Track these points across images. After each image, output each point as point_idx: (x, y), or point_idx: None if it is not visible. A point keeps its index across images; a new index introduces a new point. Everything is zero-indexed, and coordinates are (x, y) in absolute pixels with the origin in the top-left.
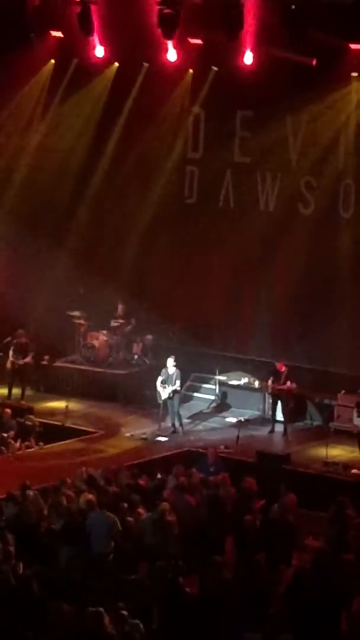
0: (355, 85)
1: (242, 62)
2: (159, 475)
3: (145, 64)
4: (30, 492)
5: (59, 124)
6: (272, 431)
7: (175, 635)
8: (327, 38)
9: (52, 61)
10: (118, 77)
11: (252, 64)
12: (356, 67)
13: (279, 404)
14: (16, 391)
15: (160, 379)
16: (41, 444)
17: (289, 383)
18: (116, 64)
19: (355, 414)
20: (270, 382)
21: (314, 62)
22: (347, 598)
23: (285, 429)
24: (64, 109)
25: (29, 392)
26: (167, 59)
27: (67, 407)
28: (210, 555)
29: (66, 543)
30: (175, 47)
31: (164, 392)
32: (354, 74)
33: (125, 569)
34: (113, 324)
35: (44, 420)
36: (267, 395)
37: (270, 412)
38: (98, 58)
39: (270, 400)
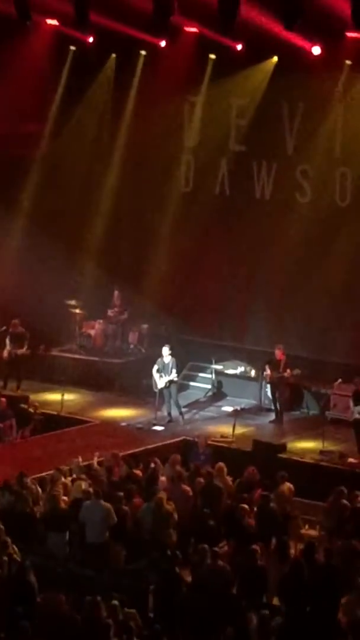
0: (349, 73)
1: (238, 50)
2: (152, 465)
3: (143, 52)
4: (27, 481)
5: (62, 118)
6: (275, 420)
7: (171, 624)
8: (323, 25)
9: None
10: (117, 68)
11: (248, 52)
12: (351, 55)
13: (282, 393)
14: (12, 380)
15: (155, 367)
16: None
17: (288, 371)
18: (113, 55)
19: (351, 403)
20: (269, 370)
21: (318, 49)
22: (344, 587)
23: (281, 418)
24: (70, 105)
25: (24, 381)
26: (162, 48)
27: (62, 396)
28: (207, 544)
29: (61, 532)
30: (170, 36)
31: (160, 382)
32: (348, 62)
33: (123, 558)
34: (109, 313)
35: (41, 410)
36: (264, 384)
37: (266, 401)
38: (95, 46)
39: (268, 389)
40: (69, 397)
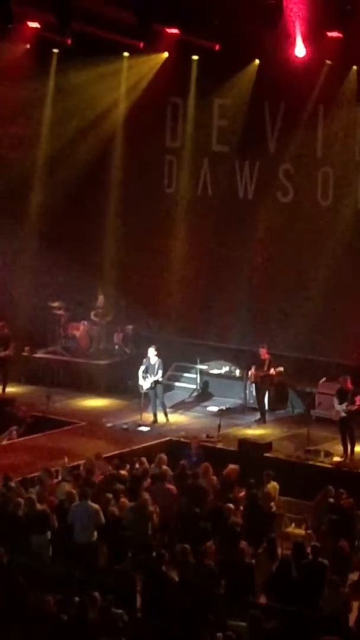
0: (328, 72)
1: (219, 51)
2: (137, 466)
3: (126, 54)
4: (12, 483)
5: (38, 116)
6: (261, 419)
7: (158, 624)
8: (304, 25)
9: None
10: (100, 68)
11: (229, 53)
12: (330, 54)
13: (267, 392)
14: None
15: (142, 368)
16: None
17: (272, 370)
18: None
19: (336, 402)
20: (253, 370)
21: (302, 50)
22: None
23: (264, 418)
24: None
25: (10, 383)
26: (145, 48)
27: (48, 398)
28: (193, 544)
29: (40, 533)
30: (154, 36)
31: (146, 382)
32: (328, 62)
33: (109, 558)
34: (93, 314)
35: (26, 412)
36: (249, 384)
37: (252, 401)
38: (79, 48)
39: (254, 389)
40: (54, 398)
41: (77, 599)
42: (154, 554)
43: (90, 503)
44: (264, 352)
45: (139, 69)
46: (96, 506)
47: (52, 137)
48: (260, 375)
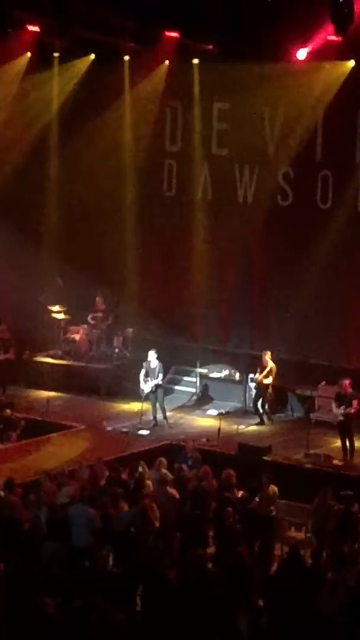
0: (328, 76)
1: (218, 54)
2: (140, 469)
3: (126, 58)
4: (13, 487)
5: (44, 121)
6: (260, 423)
7: (158, 627)
8: (304, 29)
9: (28, 54)
10: (95, 70)
11: (228, 56)
12: (329, 56)
13: (262, 397)
14: None
15: (142, 372)
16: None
17: (263, 377)
18: (92, 55)
19: (334, 405)
20: (258, 374)
21: (303, 53)
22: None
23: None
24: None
25: (10, 387)
26: (144, 52)
27: (48, 401)
28: (193, 547)
29: (47, 537)
30: (153, 40)
31: (147, 386)
32: (328, 64)
33: (109, 562)
34: (91, 318)
35: (26, 415)
36: (248, 387)
37: (251, 404)
38: (78, 51)
39: (253, 393)
40: (54, 402)
41: (77, 602)
42: (155, 557)
43: (86, 506)
44: (264, 360)
45: (138, 72)
46: (92, 510)
47: (45, 141)
48: (256, 381)
